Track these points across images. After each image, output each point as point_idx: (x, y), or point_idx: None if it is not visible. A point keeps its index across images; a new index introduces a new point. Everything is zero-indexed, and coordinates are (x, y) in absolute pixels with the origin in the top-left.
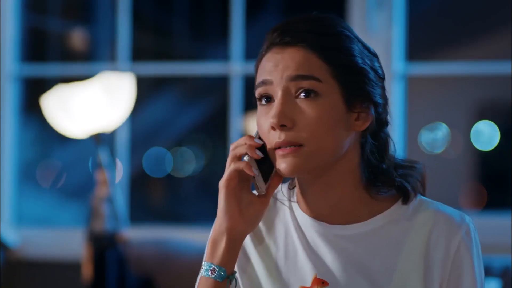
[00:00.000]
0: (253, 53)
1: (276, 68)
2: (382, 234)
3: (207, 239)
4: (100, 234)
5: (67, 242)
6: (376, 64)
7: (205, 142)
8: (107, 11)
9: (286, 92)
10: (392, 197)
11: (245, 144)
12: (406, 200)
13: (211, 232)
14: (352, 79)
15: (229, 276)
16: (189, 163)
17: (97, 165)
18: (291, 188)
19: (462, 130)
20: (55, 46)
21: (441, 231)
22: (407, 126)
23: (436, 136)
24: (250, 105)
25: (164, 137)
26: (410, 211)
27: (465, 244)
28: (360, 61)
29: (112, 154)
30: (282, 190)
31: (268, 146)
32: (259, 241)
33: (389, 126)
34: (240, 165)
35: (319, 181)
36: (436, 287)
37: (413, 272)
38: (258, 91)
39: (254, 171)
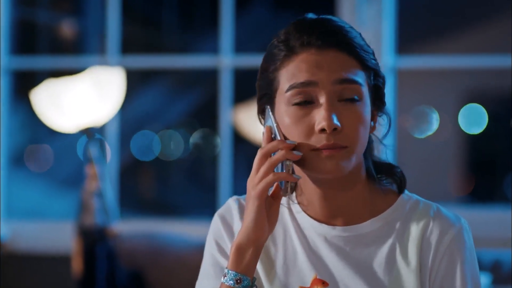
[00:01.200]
0: (243, 46)
1: (320, 70)
2: (379, 236)
3: (197, 232)
4: (90, 228)
5: (57, 236)
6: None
7: (194, 125)
8: (96, 3)
9: (332, 95)
10: (391, 197)
11: (280, 150)
12: (401, 189)
13: (236, 239)
14: (378, 83)
15: (252, 284)
16: (176, 146)
17: (87, 159)
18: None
19: (451, 116)
20: (45, 38)
21: (434, 230)
22: (397, 112)
23: (426, 122)
24: (239, 98)
25: (153, 128)
26: (406, 211)
27: (456, 244)
28: (378, 65)
29: (102, 147)
30: None
31: (308, 147)
32: None
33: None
34: (281, 175)
35: (333, 183)
36: (428, 284)
37: (410, 272)
38: (296, 91)
39: (296, 177)
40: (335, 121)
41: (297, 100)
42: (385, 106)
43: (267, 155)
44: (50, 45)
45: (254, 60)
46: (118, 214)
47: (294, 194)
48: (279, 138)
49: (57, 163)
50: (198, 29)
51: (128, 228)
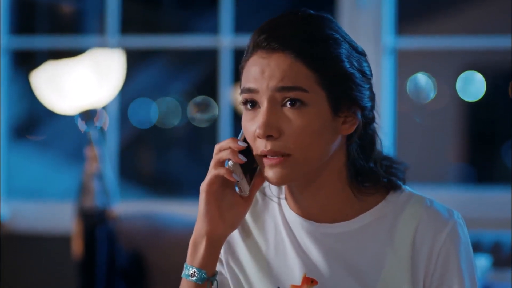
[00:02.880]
0: (243, 26)
1: (262, 76)
2: (369, 232)
3: (197, 212)
4: (90, 210)
5: (57, 216)
6: (364, 64)
7: (192, 94)
8: None
9: (272, 101)
10: (379, 194)
11: (229, 148)
12: (394, 185)
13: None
14: (339, 86)
15: (210, 278)
16: (174, 114)
17: (87, 141)
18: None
19: (449, 84)
20: (44, 17)
21: (427, 227)
22: (397, 91)
23: (422, 86)
24: (239, 77)
25: (151, 96)
26: (397, 207)
27: (451, 241)
28: (347, 65)
29: (102, 130)
30: (270, 187)
31: (254, 152)
32: (247, 235)
33: (376, 121)
34: (221, 171)
35: (306, 183)
36: (422, 283)
37: (401, 269)
38: (243, 97)
39: (236, 177)
40: (269, 128)
41: (245, 103)
42: (356, 107)
43: (220, 150)
44: (49, 25)
45: None
46: (118, 196)
47: (283, 189)
48: (239, 137)
49: (56, 140)
50: (198, 8)
51: (128, 209)
